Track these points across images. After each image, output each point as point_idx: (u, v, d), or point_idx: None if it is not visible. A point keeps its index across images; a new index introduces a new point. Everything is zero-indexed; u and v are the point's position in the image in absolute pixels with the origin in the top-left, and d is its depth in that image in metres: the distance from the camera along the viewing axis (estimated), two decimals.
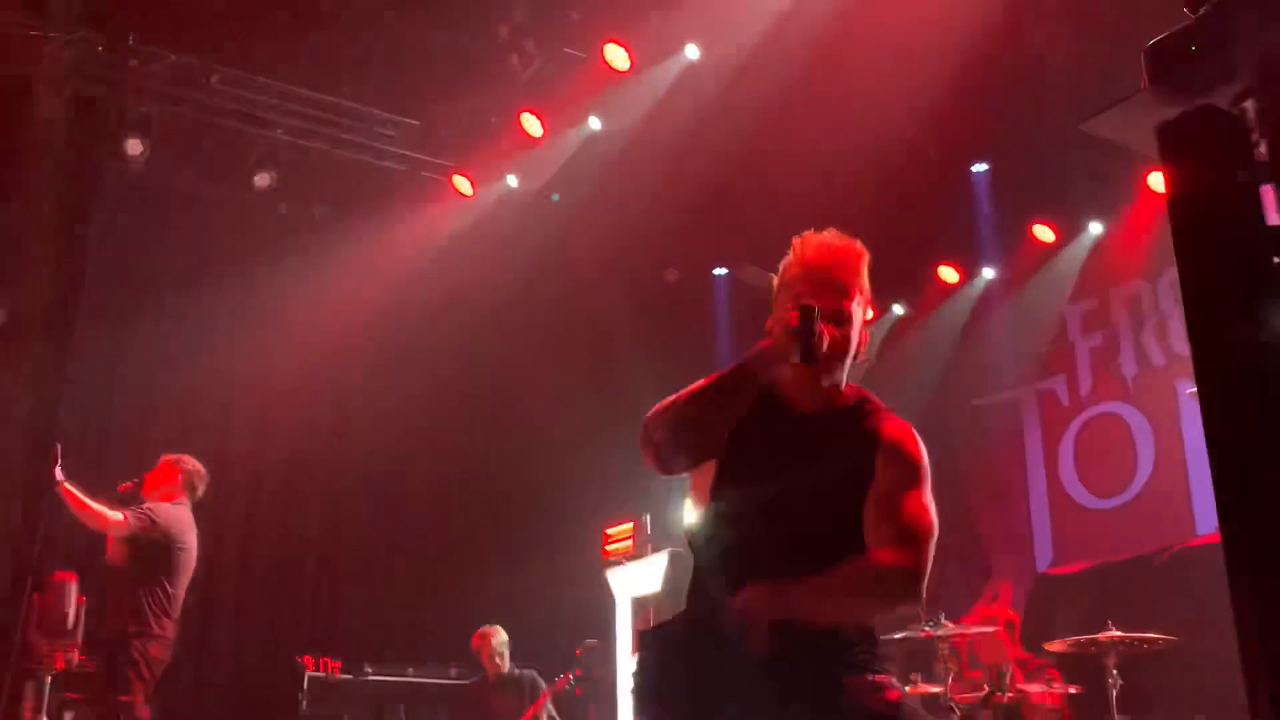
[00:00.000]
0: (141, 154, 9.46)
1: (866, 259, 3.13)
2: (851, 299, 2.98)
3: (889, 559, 2.76)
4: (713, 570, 2.99)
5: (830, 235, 3.24)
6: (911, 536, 2.80)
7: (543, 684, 8.69)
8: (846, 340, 2.95)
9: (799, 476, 2.88)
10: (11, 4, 8.92)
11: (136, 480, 7.37)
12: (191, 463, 7.58)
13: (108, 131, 9.46)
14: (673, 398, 2.94)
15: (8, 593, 8.70)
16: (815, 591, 2.72)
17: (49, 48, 9.16)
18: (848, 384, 3.08)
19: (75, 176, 9.63)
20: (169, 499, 7.41)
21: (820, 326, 2.81)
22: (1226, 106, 2.01)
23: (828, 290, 2.98)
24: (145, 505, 7.33)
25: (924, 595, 2.79)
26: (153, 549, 7.26)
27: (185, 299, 10.17)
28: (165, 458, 7.58)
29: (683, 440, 2.91)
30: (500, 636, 8.90)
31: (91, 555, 9.25)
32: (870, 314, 3.07)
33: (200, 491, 7.58)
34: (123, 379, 9.82)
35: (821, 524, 2.87)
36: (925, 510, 2.84)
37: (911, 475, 2.90)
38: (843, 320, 2.95)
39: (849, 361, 3.00)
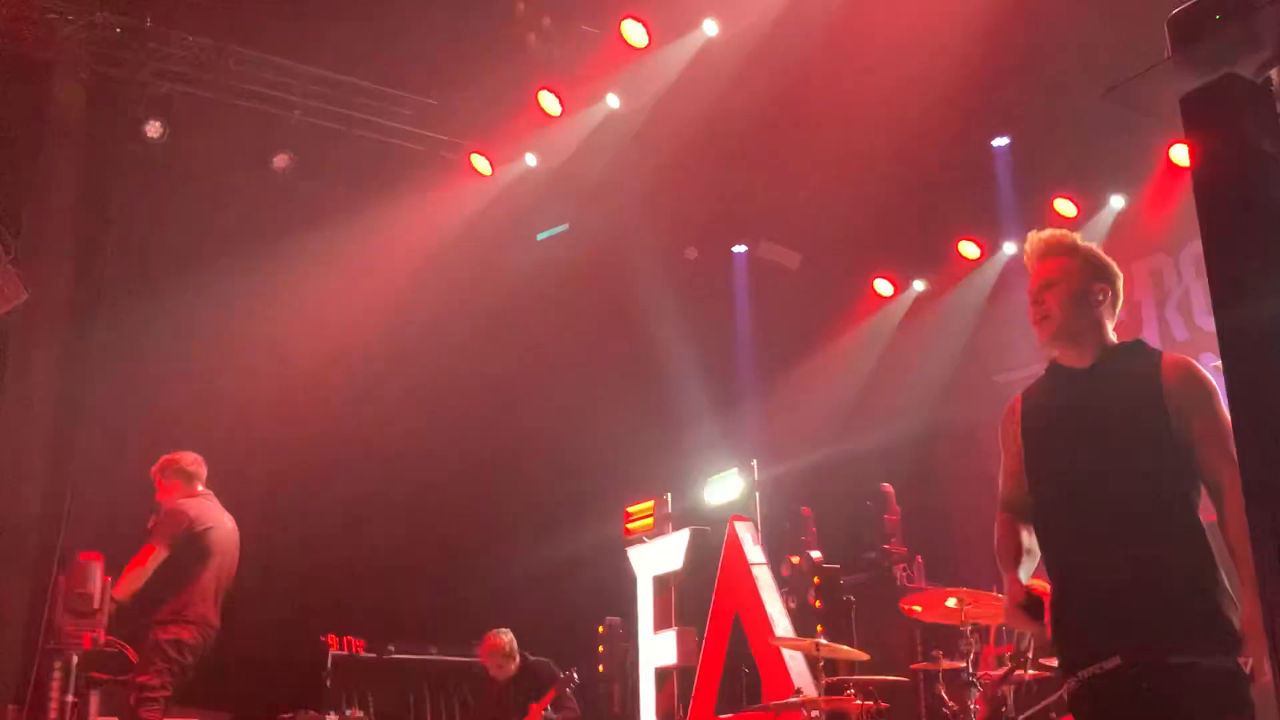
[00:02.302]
0: (161, 136, 9.47)
1: (1074, 244, 3.63)
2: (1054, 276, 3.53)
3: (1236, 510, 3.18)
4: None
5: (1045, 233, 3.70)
6: (1226, 457, 3.14)
7: (553, 676, 8.60)
8: (1059, 307, 3.50)
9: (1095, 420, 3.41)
10: None
11: (155, 512, 7.29)
12: (172, 460, 7.49)
13: (127, 114, 9.48)
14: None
15: (33, 573, 8.78)
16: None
17: (68, 31, 9.18)
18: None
19: (95, 159, 9.67)
20: (188, 496, 7.38)
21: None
22: (1251, 75, 1.99)
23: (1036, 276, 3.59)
24: (163, 510, 7.27)
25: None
26: (183, 544, 7.24)
27: (205, 279, 10.18)
28: (153, 471, 7.49)
29: None
30: (504, 644, 8.68)
31: (116, 535, 9.33)
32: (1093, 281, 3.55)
33: (202, 473, 7.53)
34: (144, 359, 9.85)
35: (1131, 458, 3.30)
36: (1225, 434, 3.12)
37: (1211, 410, 3.25)
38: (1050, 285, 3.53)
39: (1086, 316, 3.51)
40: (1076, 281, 3.53)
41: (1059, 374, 3.56)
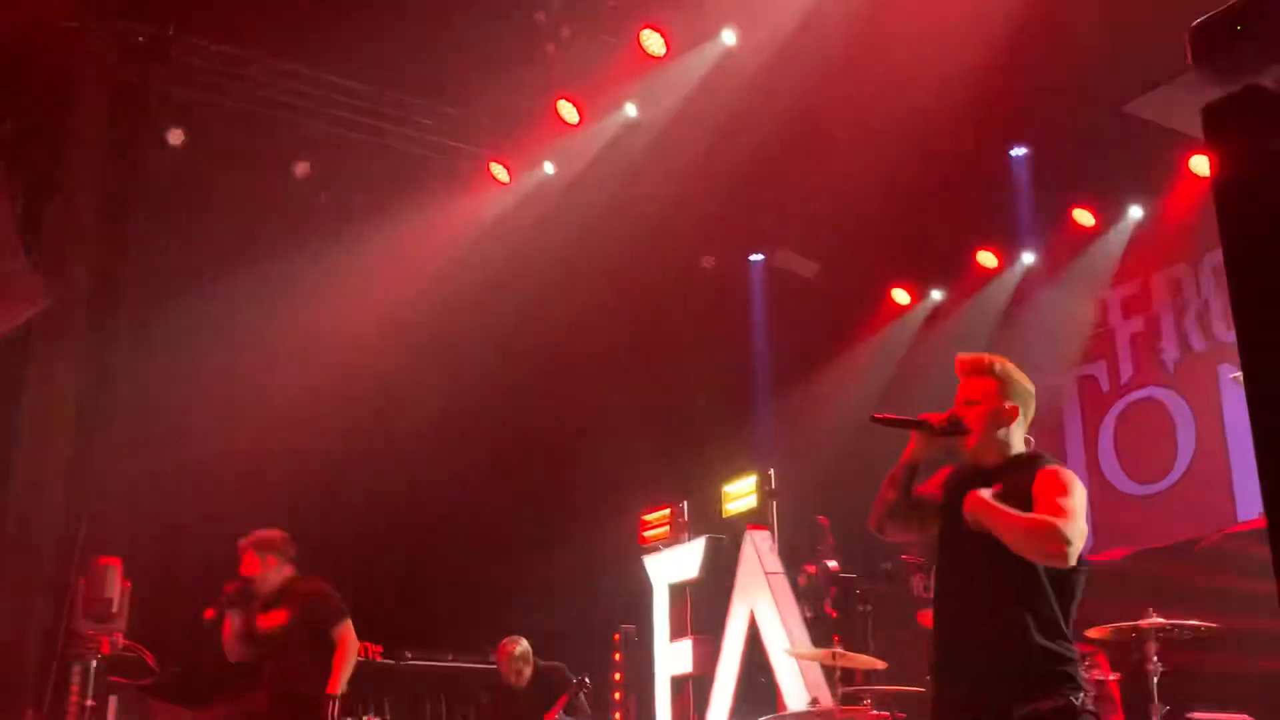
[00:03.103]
0: (182, 143, 9.53)
1: (994, 367, 4.30)
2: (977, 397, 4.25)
3: (1038, 518, 3.83)
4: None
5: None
6: (1053, 511, 3.84)
7: (571, 678, 8.61)
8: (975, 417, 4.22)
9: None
10: None
11: (239, 583, 7.01)
12: (271, 538, 7.23)
13: (149, 121, 9.54)
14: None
15: (53, 578, 8.81)
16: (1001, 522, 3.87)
17: (91, 39, 9.24)
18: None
19: (117, 166, 9.72)
20: (287, 571, 7.13)
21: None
22: (1273, 86, 1.99)
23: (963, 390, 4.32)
24: (316, 591, 7.08)
25: (1065, 547, 3.76)
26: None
27: (226, 287, 10.23)
28: (247, 545, 7.18)
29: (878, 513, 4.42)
30: (519, 652, 8.68)
31: (135, 539, 9.37)
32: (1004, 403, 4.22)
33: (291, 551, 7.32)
34: (164, 365, 9.90)
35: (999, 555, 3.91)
36: (1059, 504, 3.86)
37: (1055, 488, 3.93)
38: (970, 403, 4.23)
39: (993, 428, 4.19)
40: (994, 402, 4.20)
41: (973, 469, 4.20)
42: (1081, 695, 3.81)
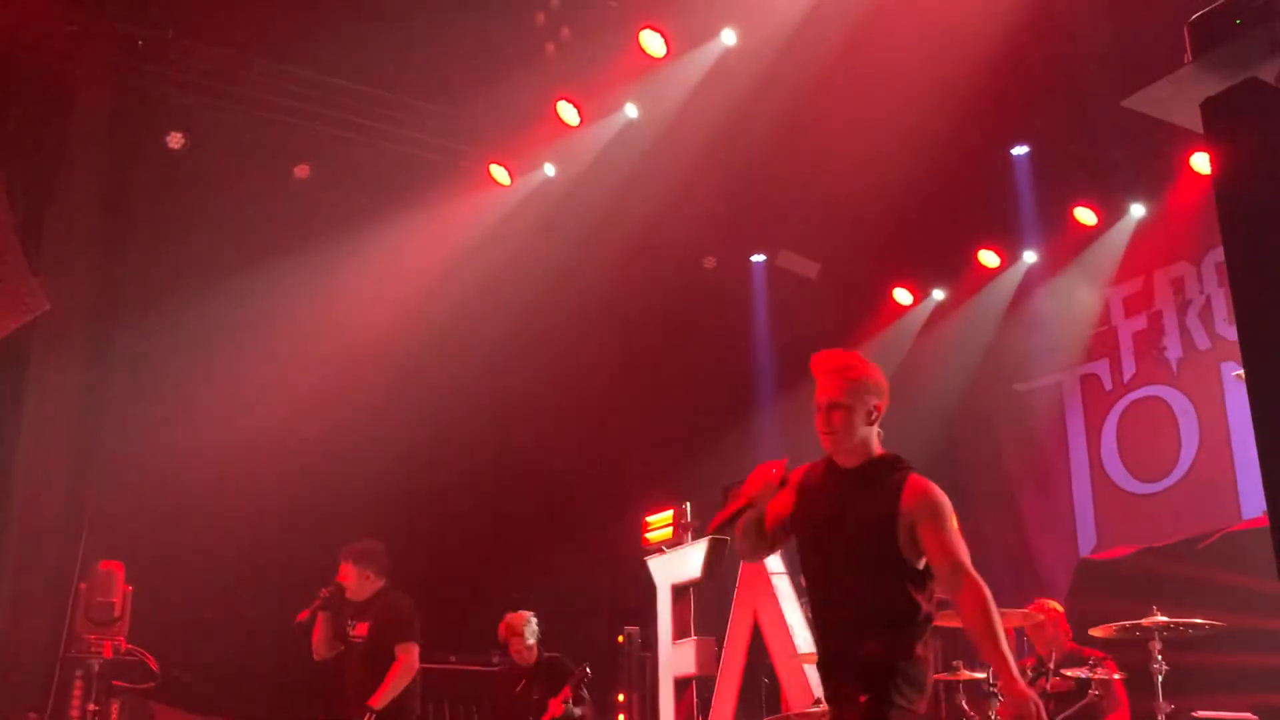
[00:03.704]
0: (182, 146, 9.52)
1: (854, 366, 4.26)
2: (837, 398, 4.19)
3: (976, 598, 3.94)
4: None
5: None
6: (959, 566, 3.97)
7: (568, 669, 8.65)
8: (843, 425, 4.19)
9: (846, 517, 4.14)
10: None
11: (333, 588, 7.30)
12: (373, 549, 7.53)
13: (149, 124, 9.53)
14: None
15: (55, 582, 8.81)
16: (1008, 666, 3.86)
17: (91, 42, 9.24)
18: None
19: (117, 169, 9.72)
20: (379, 584, 7.42)
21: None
22: (1273, 80, 1.98)
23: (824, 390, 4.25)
24: (395, 605, 7.33)
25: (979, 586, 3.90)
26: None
27: (226, 288, 10.23)
28: (352, 554, 7.48)
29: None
30: (530, 626, 8.75)
31: (137, 544, 9.37)
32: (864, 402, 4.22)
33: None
34: (165, 368, 9.90)
35: (862, 557, 4.06)
36: (956, 550, 3.98)
37: (937, 524, 4.02)
38: (837, 407, 4.18)
39: (857, 431, 4.19)
40: (860, 401, 4.19)
41: (833, 468, 4.25)
42: (906, 702, 3.88)
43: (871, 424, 4.22)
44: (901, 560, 4.02)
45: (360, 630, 7.23)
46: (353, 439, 10.69)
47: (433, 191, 10.60)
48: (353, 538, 10.46)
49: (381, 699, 6.94)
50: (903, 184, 9.51)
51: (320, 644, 7.31)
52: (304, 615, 7.23)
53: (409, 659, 7.11)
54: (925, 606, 4.02)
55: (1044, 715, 3.79)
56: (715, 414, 11.43)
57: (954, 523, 4.03)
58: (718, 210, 10.64)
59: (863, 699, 3.91)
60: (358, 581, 7.33)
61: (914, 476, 4.14)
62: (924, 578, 4.05)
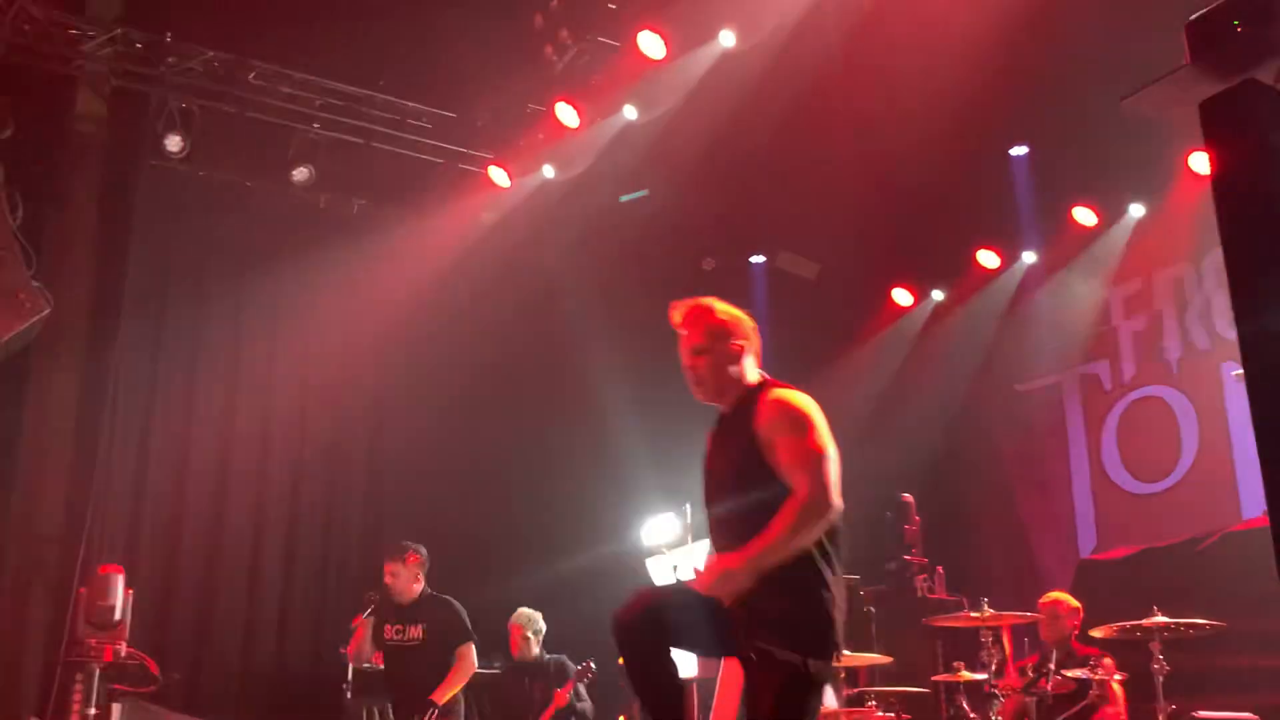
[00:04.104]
0: (181, 150, 9.52)
1: (710, 311, 4.26)
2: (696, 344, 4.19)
3: (790, 505, 3.75)
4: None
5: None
6: (798, 474, 3.79)
7: (572, 668, 8.74)
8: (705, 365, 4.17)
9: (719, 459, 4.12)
10: (52, 4, 9.00)
11: (382, 592, 7.44)
12: (409, 553, 7.59)
13: (148, 128, 9.53)
14: None
15: (55, 586, 8.81)
16: (759, 554, 3.71)
17: (89, 46, 9.25)
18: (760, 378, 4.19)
19: (116, 173, 9.73)
20: (421, 585, 7.57)
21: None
22: (1271, 81, 1.98)
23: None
24: (449, 608, 7.53)
25: (828, 510, 3.75)
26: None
27: (226, 292, 10.24)
28: (412, 560, 7.56)
29: None
30: (535, 623, 8.92)
31: (138, 548, 9.37)
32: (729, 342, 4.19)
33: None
34: (165, 371, 9.91)
35: (733, 490, 3.98)
36: (799, 452, 3.81)
37: (784, 429, 3.89)
38: (699, 352, 4.17)
39: (724, 373, 4.15)
40: (719, 344, 4.16)
41: (718, 417, 4.23)
42: (808, 658, 3.70)
43: (737, 362, 4.16)
44: (779, 488, 3.84)
45: (415, 633, 7.39)
46: (352, 443, 10.70)
47: (432, 193, 10.61)
48: (350, 540, 10.52)
49: (444, 694, 7.17)
50: (902, 185, 9.52)
51: (364, 648, 7.48)
52: (359, 620, 7.38)
53: (471, 657, 7.40)
54: (822, 543, 3.83)
55: (733, 598, 3.73)
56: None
57: (814, 433, 3.86)
58: (717, 211, 10.64)
59: (747, 653, 3.77)
60: (406, 584, 7.46)
61: (772, 392, 4.05)
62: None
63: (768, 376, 4.22)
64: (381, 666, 7.80)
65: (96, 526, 9.06)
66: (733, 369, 4.17)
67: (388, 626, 7.44)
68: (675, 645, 3.91)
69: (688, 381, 4.23)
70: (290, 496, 10.29)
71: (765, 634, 3.74)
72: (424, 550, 7.63)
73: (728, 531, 3.98)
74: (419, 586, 7.52)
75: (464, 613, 7.52)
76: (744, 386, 4.15)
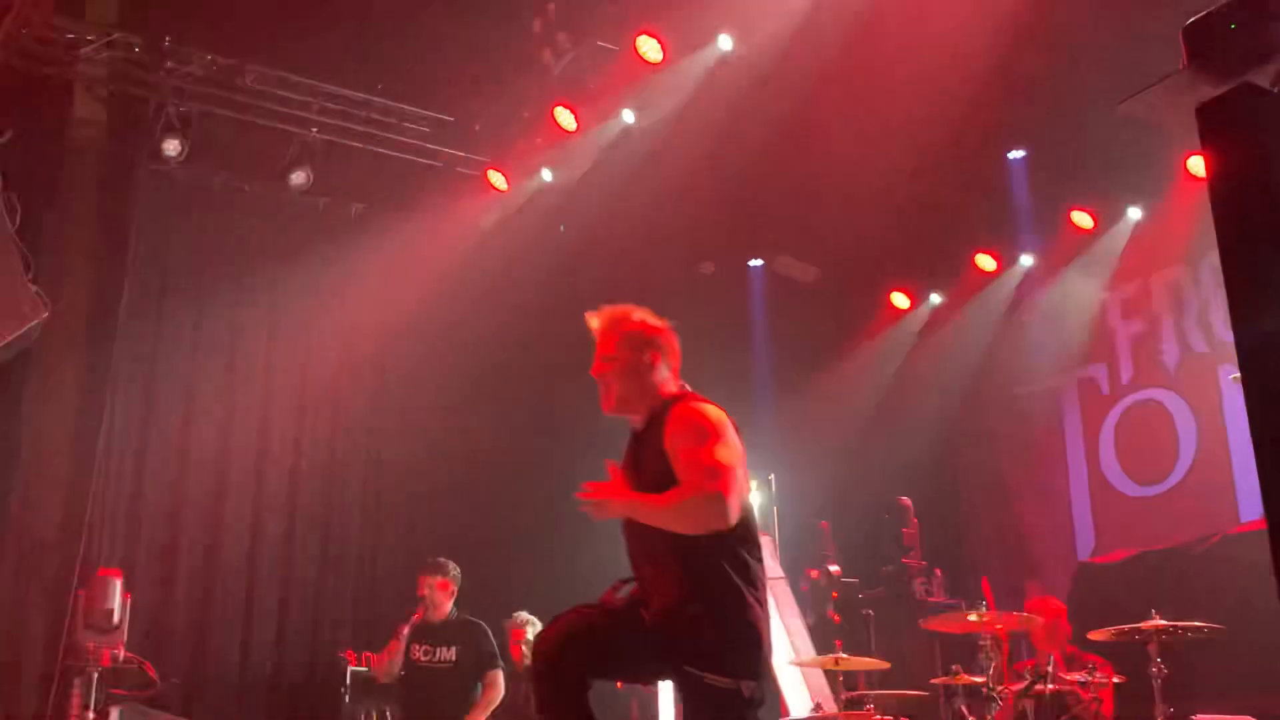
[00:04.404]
0: (179, 154, 9.53)
1: (625, 319, 4.07)
2: (608, 352, 4.01)
3: (678, 490, 3.62)
4: None
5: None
6: (696, 475, 3.58)
7: None
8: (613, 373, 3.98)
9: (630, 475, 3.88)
10: (49, 8, 9.00)
11: (420, 610, 7.38)
12: (444, 569, 7.60)
13: (146, 132, 9.53)
14: None
15: (53, 590, 8.80)
16: (643, 502, 3.67)
17: (87, 51, 9.25)
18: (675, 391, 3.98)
19: (114, 177, 9.72)
20: (450, 602, 7.55)
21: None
22: (1267, 85, 1.98)
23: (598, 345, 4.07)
24: (481, 633, 7.52)
25: (719, 509, 3.52)
26: None
27: (223, 296, 10.24)
28: (427, 574, 7.56)
29: None
30: (532, 627, 8.84)
31: (136, 552, 9.36)
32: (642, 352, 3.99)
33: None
34: (163, 376, 9.90)
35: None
36: (702, 458, 3.60)
37: (689, 440, 3.68)
38: (608, 360, 4.00)
39: (636, 384, 3.95)
40: (629, 354, 3.97)
41: (630, 433, 4.03)
42: (741, 681, 3.56)
43: (650, 374, 3.94)
44: None
45: (448, 655, 7.29)
46: (352, 447, 10.69)
47: (430, 197, 10.61)
48: (351, 544, 10.50)
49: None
50: (900, 188, 9.52)
51: (398, 661, 7.30)
52: (402, 630, 7.25)
53: (500, 684, 7.38)
54: (729, 558, 3.65)
55: (627, 511, 3.70)
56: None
57: (717, 445, 3.63)
58: (715, 215, 10.64)
59: (678, 679, 3.65)
60: (443, 601, 7.39)
61: (679, 405, 3.82)
62: (742, 523, 3.67)
63: (688, 390, 4.00)
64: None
65: (95, 530, 9.05)
66: (644, 381, 3.95)
67: (414, 645, 7.33)
68: (597, 675, 3.71)
69: (600, 391, 4.04)
70: (289, 499, 10.28)
71: (694, 660, 3.58)
72: (458, 569, 7.58)
73: (641, 552, 3.85)
74: (449, 606, 7.45)
75: (492, 637, 7.48)
76: (658, 400, 3.93)
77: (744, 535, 3.70)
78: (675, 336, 4.08)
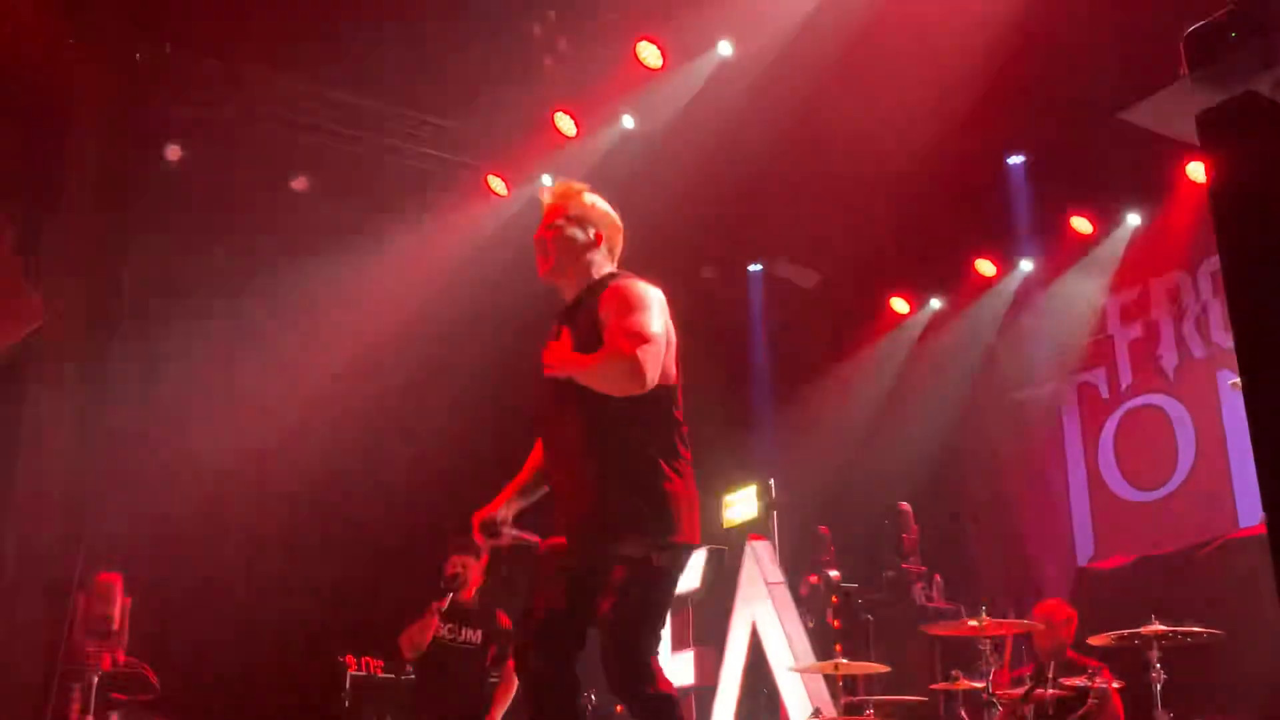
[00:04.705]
0: (180, 159, 9.53)
1: (579, 195, 4.16)
2: (555, 220, 4.07)
3: (603, 351, 3.68)
4: None
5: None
6: (616, 340, 3.66)
7: None
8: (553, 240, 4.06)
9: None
10: (52, 12, 9.01)
11: (455, 583, 7.02)
12: (474, 554, 7.23)
13: (146, 138, 9.53)
14: None
15: (52, 594, 8.79)
16: (574, 360, 3.70)
17: (87, 55, 9.25)
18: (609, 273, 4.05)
19: (114, 183, 9.72)
20: (478, 585, 7.30)
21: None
22: (1268, 93, 1.99)
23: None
24: (503, 622, 7.21)
25: (637, 372, 3.60)
26: None
27: (224, 301, 10.24)
28: (458, 549, 7.25)
29: None
30: None
31: (136, 555, 9.36)
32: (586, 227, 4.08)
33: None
34: (162, 381, 9.89)
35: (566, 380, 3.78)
36: (626, 325, 3.70)
37: (618, 310, 3.75)
38: (553, 227, 4.06)
39: (574, 256, 4.03)
40: (577, 226, 4.07)
41: (559, 307, 4.11)
42: (652, 549, 3.64)
43: (590, 250, 4.08)
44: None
45: (472, 636, 7.02)
46: (351, 452, 10.69)
47: (430, 202, 10.61)
48: (353, 549, 10.49)
49: (496, 715, 6.84)
50: (900, 193, 9.55)
51: (423, 641, 6.93)
52: (437, 606, 6.88)
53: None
54: (645, 436, 3.76)
55: (562, 370, 3.71)
56: (712, 423, 11.41)
57: (643, 314, 3.75)
58: (715, 220, 10.65)
59: (575, 551, 3.72)
60: (471, 583, 7.10)
61: (617, 280, 3.94)
62: (656, 401, 3.77)
63: (625, 273, 4.09)
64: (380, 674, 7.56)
65: (95, 533, 9.05)
66: (584, 256, 4.05)
67: (445, 625, 7.03)
68: (582, 643, 3.79)
69: (537, 258, 4.12)
70: (289, 504, 10.27)
71: (605, 537, 3.68)
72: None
73: (556, 423, 3.91)
74: (475, 589, 7.18)
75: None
76: (592, 276, 4.04)
77: (662, 415, 3.80)
78: (621, 232, 4.21)
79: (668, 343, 3.82)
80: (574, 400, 3.76)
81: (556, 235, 4.07)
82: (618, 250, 4.18)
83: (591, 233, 4.08)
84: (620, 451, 3.72)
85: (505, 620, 7.21)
